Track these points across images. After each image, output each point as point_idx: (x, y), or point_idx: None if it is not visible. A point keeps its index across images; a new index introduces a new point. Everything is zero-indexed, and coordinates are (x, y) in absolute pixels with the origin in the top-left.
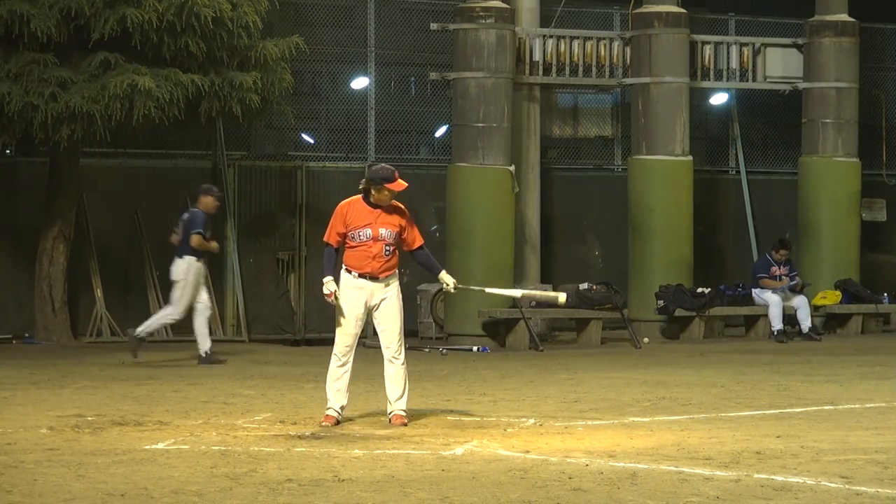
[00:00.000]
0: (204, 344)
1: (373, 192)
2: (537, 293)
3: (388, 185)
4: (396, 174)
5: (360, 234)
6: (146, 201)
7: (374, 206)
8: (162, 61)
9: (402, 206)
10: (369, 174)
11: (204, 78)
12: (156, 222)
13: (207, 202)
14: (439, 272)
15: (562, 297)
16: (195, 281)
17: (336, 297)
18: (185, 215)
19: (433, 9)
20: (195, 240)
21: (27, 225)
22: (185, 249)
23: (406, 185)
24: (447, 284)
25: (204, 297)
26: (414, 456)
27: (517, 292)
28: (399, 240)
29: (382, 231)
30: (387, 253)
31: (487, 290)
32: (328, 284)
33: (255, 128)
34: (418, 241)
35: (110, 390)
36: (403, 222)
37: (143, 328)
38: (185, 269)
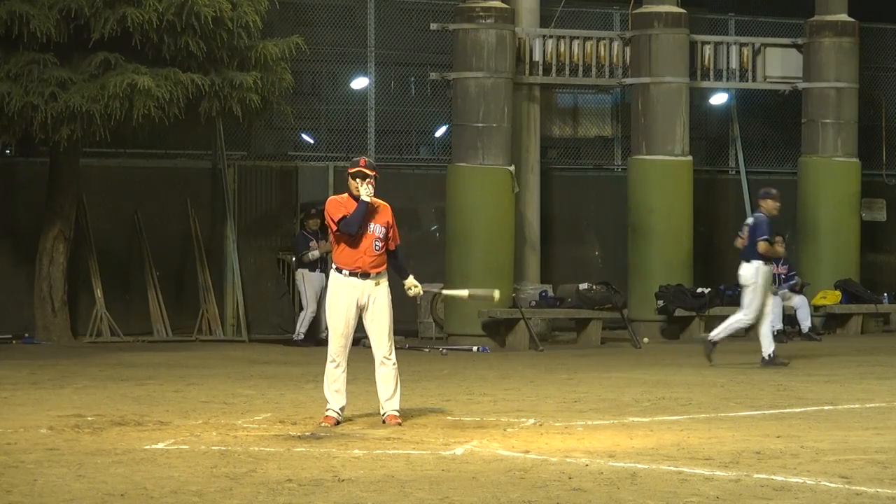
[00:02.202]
0: (768, 348)
1: (352, 184)
2: (479, 291)
3: (350, 172)
4: (364, 160)
5: None
6: (146, 201)
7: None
8: (162, 61)
9: (388, 206)
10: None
11: (204, 78)
12: (156, 222)
13: (769, 205)
14: (406, 277)
15: (496, 292)
16: (764, 285)
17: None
18: (750, 220)
19: (433, 9)
20: (762, 246)
21: (27, 225)
22: (751, 254)
23: (367, 161)
24: (415, 286)
25: (770, 302)
26: (414, 456)
27: (464, 292)
28: (387, 237)
29: (371, 226)
30: (377, 249)
31: (445, 291)
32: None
33: (255, 128)
34: (398, 241)
35: (110, 390)
36: (390, 220)
37: (717, 333)
38: (753, 273)
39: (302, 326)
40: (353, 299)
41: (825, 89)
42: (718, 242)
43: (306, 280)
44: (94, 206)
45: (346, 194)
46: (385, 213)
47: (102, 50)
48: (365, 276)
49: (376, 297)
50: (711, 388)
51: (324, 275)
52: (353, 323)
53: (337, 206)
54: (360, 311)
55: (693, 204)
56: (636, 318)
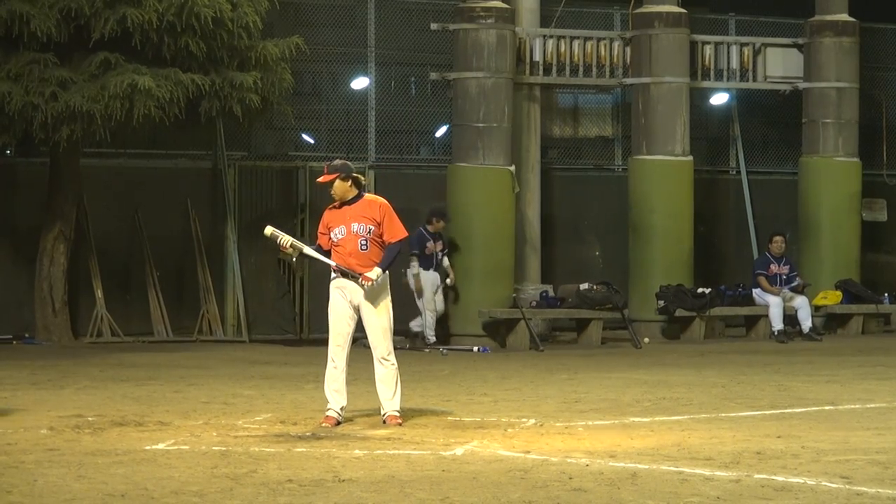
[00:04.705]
0: None
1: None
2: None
3: (318, 180)
4: (326, 167)
5: (337, 231)
6: (146, 201)
7: (344, 203)
8: (162, 61)
9: (382, 201)
10: None
11: (204, 78)
12: (156, 222)
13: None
14: (380, 267)
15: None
16: None
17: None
18: None
19: (433, 9)
20: None
21: (27, 225)
22: None
23: (324, 180)
24: (369, 281)
25: None
26: (414, 456)
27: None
28: (378, 233)
29: (355, 226)
30: (363, 248)
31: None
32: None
33: (256, 128)
34: (397, 235)
35: (110, 391)
36: (378, 216)
37: None
38: None
39: (430, 330)
40: (346, 299)
41: (826, 89)
42: (719, 242)
43: (422, 279)
44: (94, 207)
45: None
46: (371, 209)
47: (103, 50)
48: (355, 276)
49: (370, 297)
50: (712, 388)
51: (437, 273)
52: (350, 323)
53: (321, 221)
54: (357, 310)
55: (693, 204)
56: (637, 319)
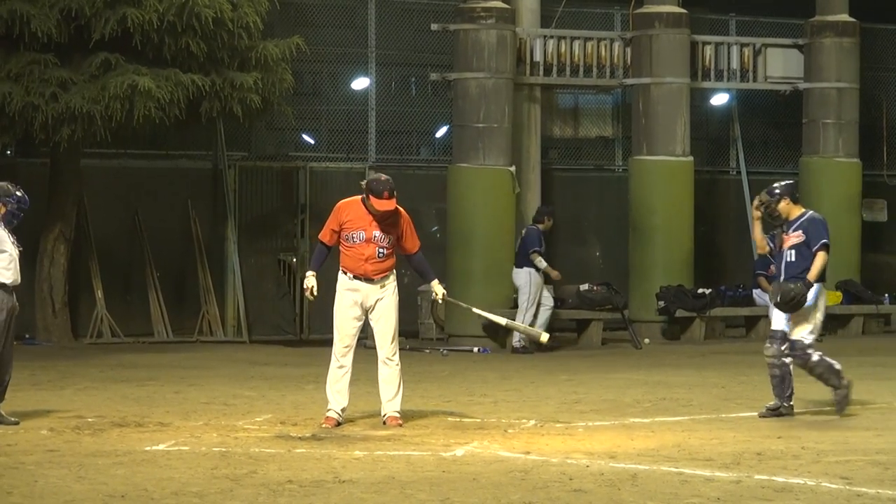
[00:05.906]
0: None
1: (369, 197)
2: (521, 326)
3: (373, 199)
4: (386, 193)
5: (355, 235)
6: (147, 202)
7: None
8: (162, 62)
9: (402, 210)
10: (368, 181)
11: (205, 78)
12: (156, 223)
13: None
14: (432, 280)
15: (544, 336)
16: None
17: (313, 293)
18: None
19: (434, 9)
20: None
21: (27, 226)
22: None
23: (390, 207)
24: (437, 294)
25: None
26: (414, 457)
27: (502, 320)
28: (395, 243)
29: (376, 234)
30: (380, 255)
31: (475, 309)
32: (308, 279)
33: (256, 128)
34: (416, 246)
35: (111, 391)
36: (400, 226)
37: None
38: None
39: (543, 326)
40: (357, 301)
41: (826, 89)
42: (719, 243)
43: (533, 280)
44: (94, 207)
45: (358, 197)
46: (392, 218)
47: (103, 50)
48: (369, 280)
49: (382, 298)
50: (712, 388)
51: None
52: (358, 325)
53: (335, 217)
54: (366, 312)
55: (694, 204)
56: (637, 319)
